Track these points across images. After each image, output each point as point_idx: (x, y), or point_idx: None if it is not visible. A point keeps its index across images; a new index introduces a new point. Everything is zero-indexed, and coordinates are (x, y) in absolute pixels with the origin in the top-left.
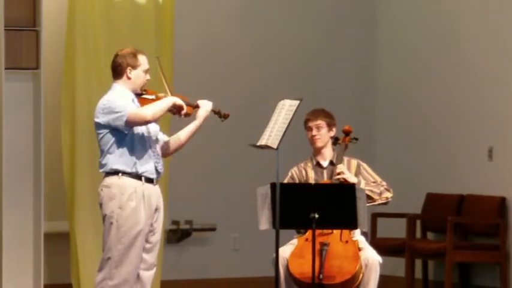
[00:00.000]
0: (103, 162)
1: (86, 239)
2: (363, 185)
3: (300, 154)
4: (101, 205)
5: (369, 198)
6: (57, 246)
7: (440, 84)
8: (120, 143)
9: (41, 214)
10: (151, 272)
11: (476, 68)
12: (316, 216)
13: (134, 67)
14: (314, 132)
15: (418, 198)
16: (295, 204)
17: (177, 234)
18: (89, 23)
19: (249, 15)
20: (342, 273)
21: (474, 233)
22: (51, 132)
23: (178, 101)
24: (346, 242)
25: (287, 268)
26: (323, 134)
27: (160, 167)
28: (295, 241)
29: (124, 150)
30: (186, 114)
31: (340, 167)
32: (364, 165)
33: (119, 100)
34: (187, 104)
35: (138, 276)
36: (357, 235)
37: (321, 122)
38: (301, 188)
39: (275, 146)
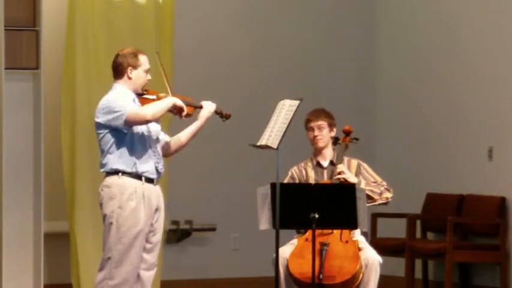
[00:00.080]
0: (103, 162)
1: (86, 239)
2: (363, 185)
3: (300, 154)
4: (101, 205)
5: (369, 198)
6: (57, 246)
7: (440, 84)
8: (120, 142)
9: (41, 214)
10: (152, 272)
11: (476, 68)
12: (316, 216)
13: (135, 67)
14: (316, 132)
15: (418, 198)
16: (295, 204)
17: (177, 234)
18: (89, 23)
19: (249, 15)
20: (342, 273)
21: (474, 233)
22: (51, 132)
23: (179, 102)
24: (346, 242)
25: (287, 268)
26: (324, 135)
27: (160, 167)
28: (295, 241)
29: (124, 150)
30: (187, 115)
31: (341, 167)
32: (365, 165)
33: (119, 100)
34: (190, 105)
35: (139, 276)
36: (357, 235)
37: (323, 123)
38: (301, 188)
39: (275, 146)
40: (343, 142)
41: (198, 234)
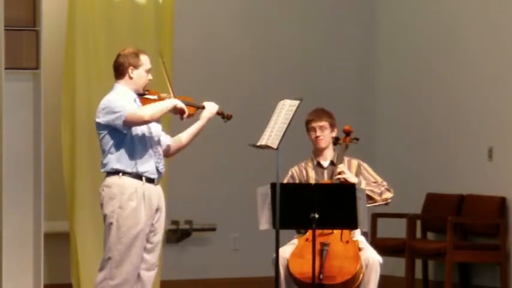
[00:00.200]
0: (104, 162)
1: (86, 239)
2: (363, 185)
3: (300, 154)
4: (101, 205)
5: (370, 198)
6: (57, 246)
7: (440, 84)
8: (120, 143)
9: (41, 214)
10: (153, 273)
11: (476, 68)
12: (317, 216)
13: (136, 67)
14: (318, 133)
15: (418, 198)
16: (295, 204)
17: (177, 234)
18: (89, 23)
19: (249, 15)
20: (342, 274)
21: (474, 233)
22: (51, 132)
23: (180, 104)
24: (347, 242)
25: (287, 268)
26: (326, 135)
27: (161, 167)
28: (295, 241)
29: (125, 150)
30: (189, 115)
31: (341, 167)
32: (365, 165)
33: (119, 100)
34: (193, 105)
35: (139, 276)
36: (357, 235)
37: (325, 123)
38: (301, 188)
39: (275, 146)
40: (344, 142)
41: (198, 234)
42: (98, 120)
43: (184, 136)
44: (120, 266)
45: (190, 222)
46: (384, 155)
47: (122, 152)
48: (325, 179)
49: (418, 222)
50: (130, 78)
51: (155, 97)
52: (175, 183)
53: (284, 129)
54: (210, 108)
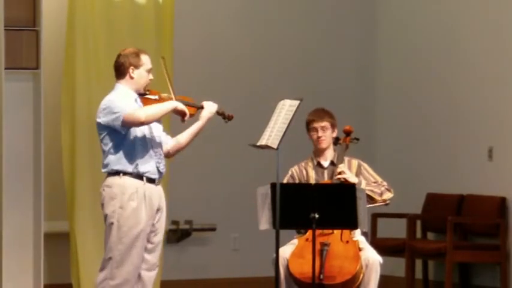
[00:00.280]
0: (105, 162)
1: (86, 239)
2: (363, 185)
3: (300, 154)
4: (102, 205)
5: (370, 198)
6: (57, 246)
7: (440, 84)
8: (121, 143)
9: (41, 214)
10: (153, 273)
11: (476, 68)
12: (317, 216)
13: (137, 67)
14: (320, 133)
15: (418, 198)
16: (295, 204)
17: (177, 234)
18: (89, 23)
19: (249, 15)
20: (342, 274)
21: (474, 233)
22: (51, 132)
23: (180, 106)
24: (347, 242)
25: (287, 268)
26: (328, 135)
27: (162, 167)
28: (295, 241)
29: (125, 151)
30: (190, 115)
31: (341, 167)
32: (365, 165)
33: (119, 101)
34: (192, 105)
35: (140, 276)
36: (357, 235)
37: (327, 124)
38: (302, 188)
39: (275, 146)
40: (344, 142)
41: (198, 234)
42: (98, 120)
43: (184, 136)
44: (120, 266)
45: (190, 222)
46: (383, 155)
47: (123, 152)
48: (326, 179)
49: (418, 222)
50: (131, 78)
51: (156, 97)
52: (175, 183)
53: (284, 129)
54: (209, 107)
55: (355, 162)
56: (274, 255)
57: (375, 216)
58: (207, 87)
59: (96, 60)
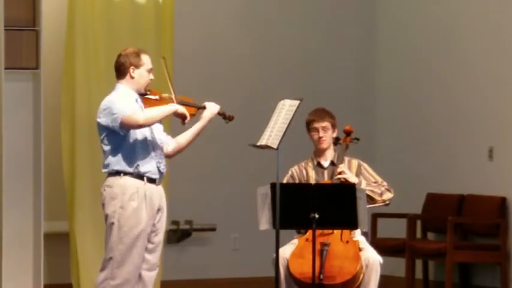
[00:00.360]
0: (105, 162)
1: (86, 239)
2: (363, 185)
3: (300, 154)
4: (103, 205)
5: (370, 198)
6: (57, 246)
7: (440, 84)
8: (121, 143)
9: (41, 214)
10: (154, 273)
11: (476, 68)
12: (317, 216)
13: (137, 66)
14: (321, 133)
15: (418, 198)
16: (295, 204)
17: (177, 234)
18: (89, 23)
19: (249, 15)
20: (342, 274)
21: (474, 233)
22: (51, 132)
23: (181, 109)
24: (347, 242)
25: (287, 268)
26: (329, 136)
27: (162, 167)
28: (295, 241)
29: (125, 151)
30: (191, 115)
31: (341, 167)
32: (365, 165)
33: (119, 101)
34: (193, 106)
35: (141, 276)
36: (358, 235)
37: (327, 124)
38: (302, 188)
39: (275, 146)
40: (344, 142)
41: (198, 234)
42: (98, 120)
43: (185, 137)
44: (121, 266)
45: (190, 222)
46: (383, 155)
47: (123, 152)
48: (326, 179)
49: (418, 222)
50: (132, 78)
51: (157, 97)
52: (175, 183)
53: (284, 129)
54: (211, 108)
55: (355, 162)
56: (274, 255)
57: (375, 216)
58: (207, 87)
59: (96, 60)
